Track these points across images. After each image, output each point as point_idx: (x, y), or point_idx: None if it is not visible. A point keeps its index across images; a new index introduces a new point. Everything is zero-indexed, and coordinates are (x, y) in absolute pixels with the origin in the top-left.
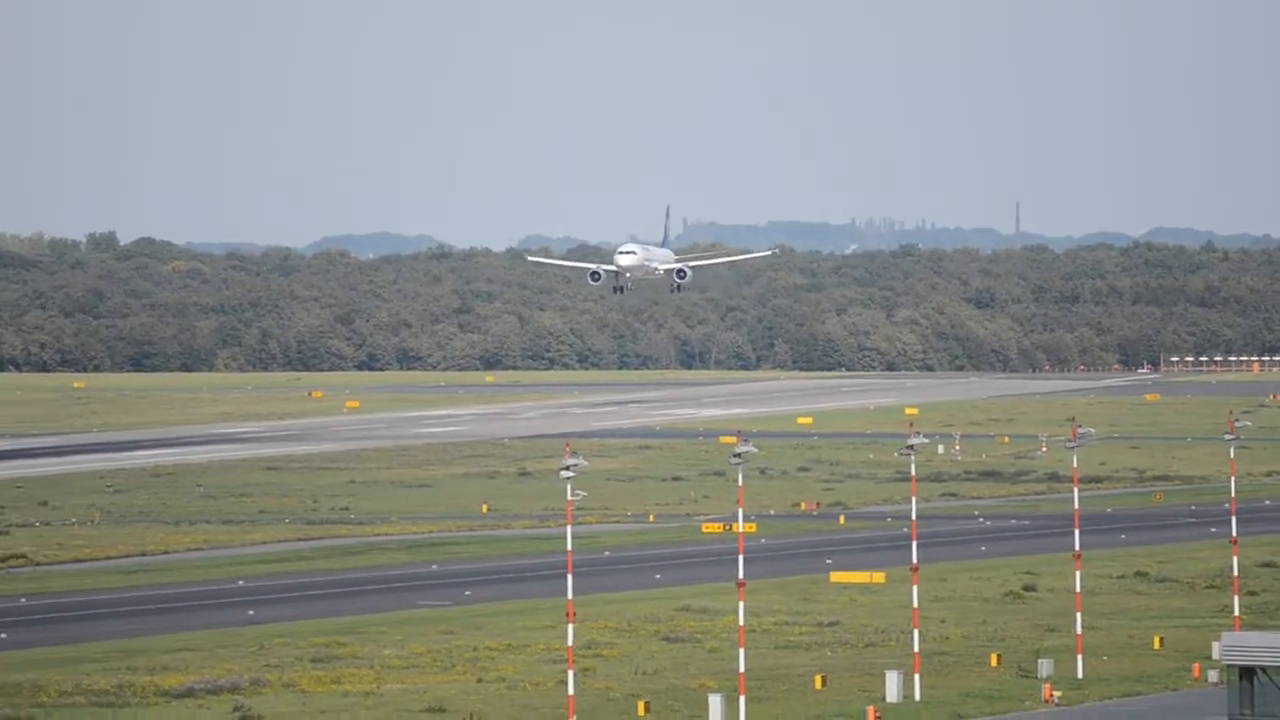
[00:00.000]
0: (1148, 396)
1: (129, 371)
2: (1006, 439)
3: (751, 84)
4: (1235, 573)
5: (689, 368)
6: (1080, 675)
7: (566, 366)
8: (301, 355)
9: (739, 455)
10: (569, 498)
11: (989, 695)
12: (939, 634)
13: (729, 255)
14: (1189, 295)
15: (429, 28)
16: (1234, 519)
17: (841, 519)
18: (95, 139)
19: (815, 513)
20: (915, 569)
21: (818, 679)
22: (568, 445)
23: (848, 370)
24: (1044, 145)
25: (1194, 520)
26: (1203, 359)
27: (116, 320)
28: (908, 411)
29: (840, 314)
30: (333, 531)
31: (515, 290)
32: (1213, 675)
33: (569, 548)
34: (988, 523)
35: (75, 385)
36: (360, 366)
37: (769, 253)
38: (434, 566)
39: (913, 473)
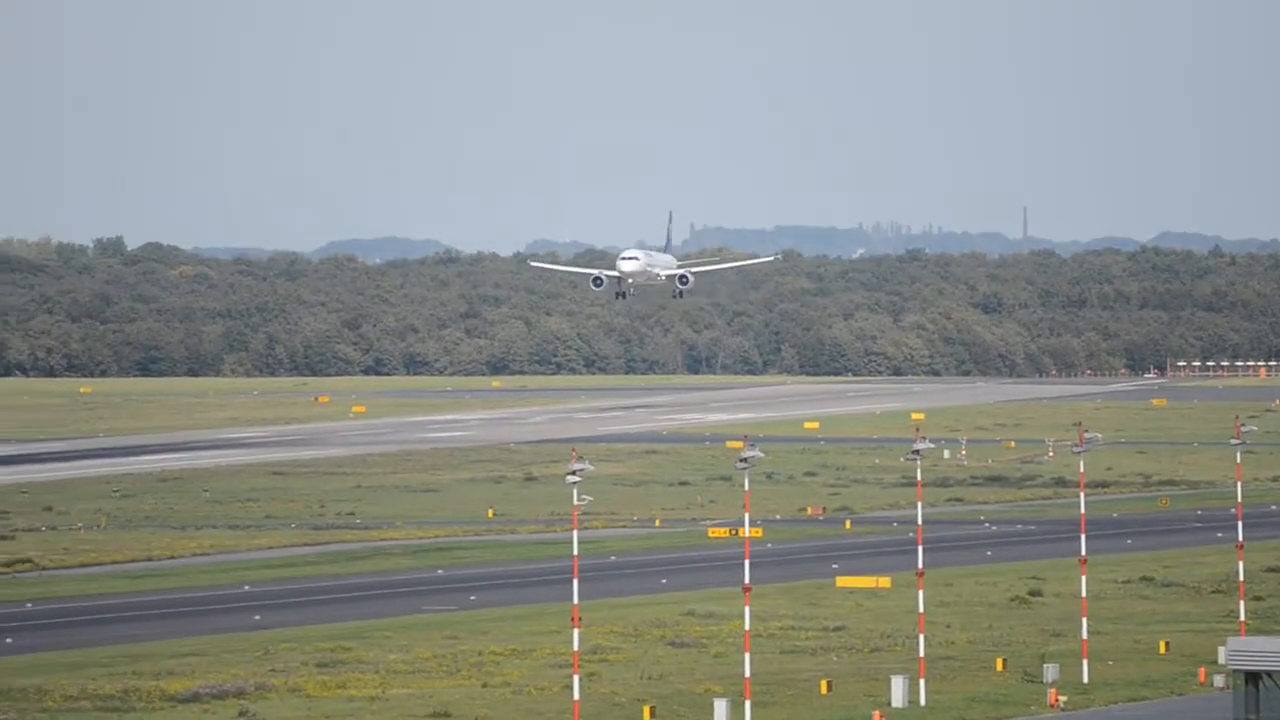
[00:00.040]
0: (1154, 401)
1: (135, 376)
2: (1013, 444)
3: (752, 84)
4: (1241, 577)
5: (695, 372)
6: (1086, 680)
7: (573, 371)
8: (308, 360)
9: (745, 460)
10: (575, 502)
11: (994, 700)
12: (944, 639)
13: (734, 260)
14: (1196, 300)
15: (429, 28)
16: (1240, 524)
17: (848, 524)
18: (97, 142)
19: (821, 517)
20: (921, 574)
21: (823, 684)
22: (574, 450)
23: (854, 375)
24: (1052, 149)
25: (1200, 525)
26: (1210, 364)
27: (123, 325)
28: (914, 416)
29: (847, 319)
30: (338, 536)
31: (522, 295)
32: (1218, 680)
33: (575, 552)
34: (994, 528)
35: (82, 390)
36: (367, 371)
37: (774, 258)
38: (440, 571)
39: (919, 478)
